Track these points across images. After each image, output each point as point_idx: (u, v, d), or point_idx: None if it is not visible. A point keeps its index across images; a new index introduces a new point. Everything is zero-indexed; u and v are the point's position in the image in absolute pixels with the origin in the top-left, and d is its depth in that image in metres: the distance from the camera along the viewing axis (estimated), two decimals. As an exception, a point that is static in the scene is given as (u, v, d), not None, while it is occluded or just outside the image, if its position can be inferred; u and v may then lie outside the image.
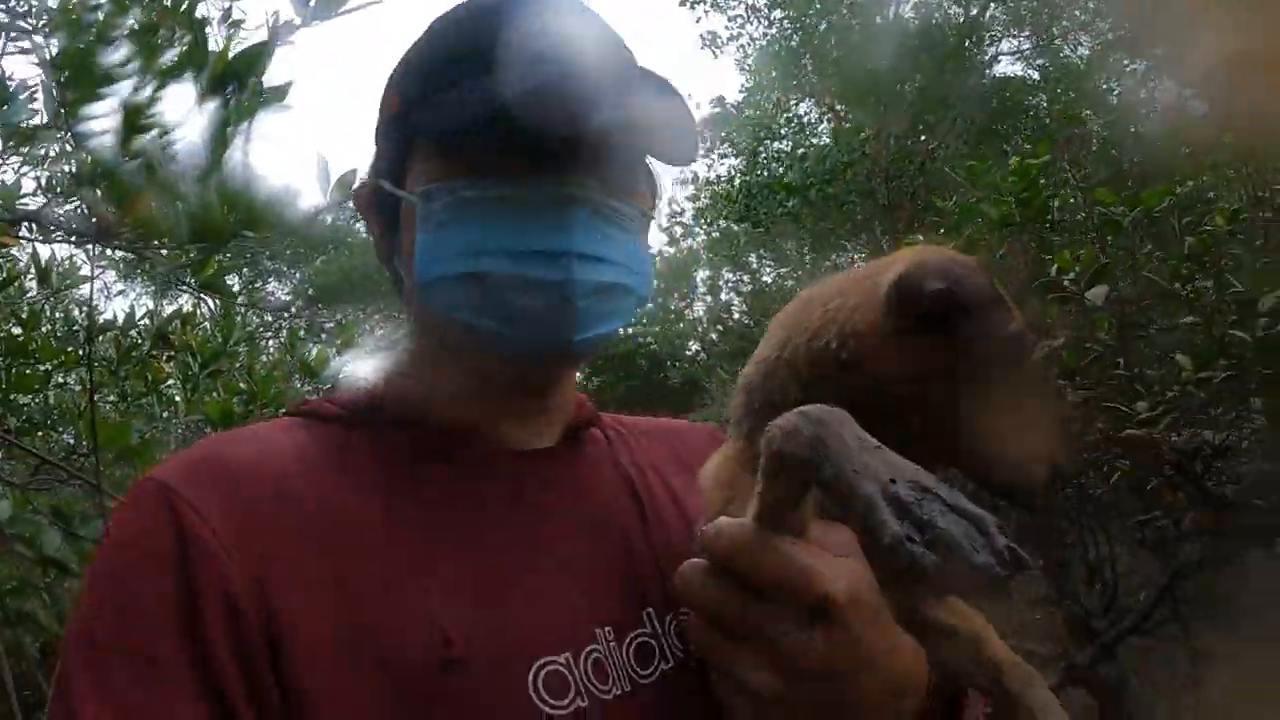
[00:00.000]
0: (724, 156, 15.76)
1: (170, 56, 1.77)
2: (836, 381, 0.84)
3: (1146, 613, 3.50)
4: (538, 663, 0.79)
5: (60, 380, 3.28)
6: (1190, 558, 3.40)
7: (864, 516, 0.61)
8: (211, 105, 1.62)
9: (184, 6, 1.75)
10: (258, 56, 1.66)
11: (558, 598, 0.84)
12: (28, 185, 2.31)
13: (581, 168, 0.85)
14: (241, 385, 3.01)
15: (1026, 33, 13.53)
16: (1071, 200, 2.98)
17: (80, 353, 2.97)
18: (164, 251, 1.93)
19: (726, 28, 14.37)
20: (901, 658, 0.74)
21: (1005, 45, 13.65)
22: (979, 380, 0.81)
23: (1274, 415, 2.32)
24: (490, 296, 0.84)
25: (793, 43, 13.71)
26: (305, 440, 0.87)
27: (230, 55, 1.58)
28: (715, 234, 15.19)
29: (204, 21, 1.76)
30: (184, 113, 1.70)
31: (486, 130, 0.81)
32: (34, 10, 1.87)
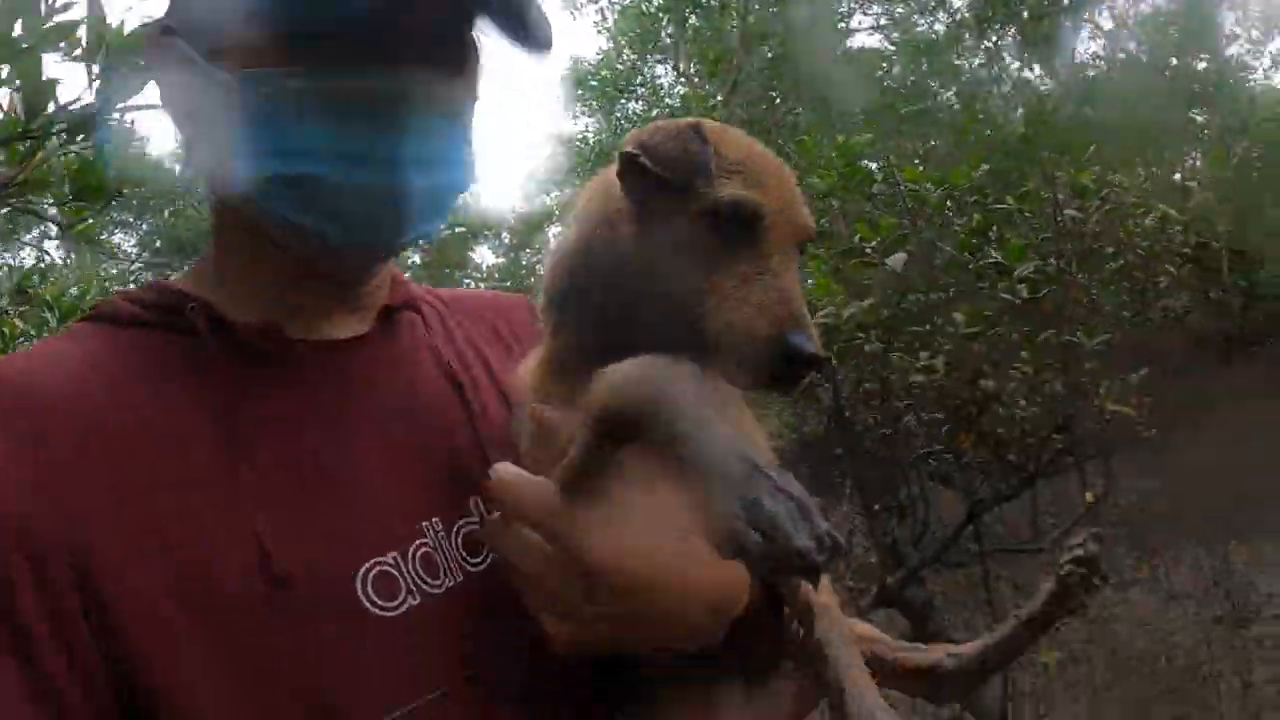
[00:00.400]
0: (578, 116, 15.94)
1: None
2: (600, 271, 0.83)
3: (947, 543, 3.93)
4: (365, 566, 0.77)
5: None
6: (985, 494, 3.84)
7: (702, 484, 0.61)
8: (105, 78, 1.77)
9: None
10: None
11: (381, 495, 0.81)
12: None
13: (429, 62, 0.78)
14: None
15: (884, 7, 14.01)
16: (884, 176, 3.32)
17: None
18: (52, 210, 2.06)
19: (587, -10, 14.37)
20: (715, 587, 0.76)
21: (864, 20, 14.12)
22: (691, 249, 0.77)
23: (1037, 366, 2.73)
24: (319, 199, 0.76)
25: (651, 6, 13.90)
26: (101, 350, 0.80)
27: (126, 33, 1.72)
28: (569, 191, 15.26)
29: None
30: (75, 79, 1.83)
31: (340, 18, 0.73)
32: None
